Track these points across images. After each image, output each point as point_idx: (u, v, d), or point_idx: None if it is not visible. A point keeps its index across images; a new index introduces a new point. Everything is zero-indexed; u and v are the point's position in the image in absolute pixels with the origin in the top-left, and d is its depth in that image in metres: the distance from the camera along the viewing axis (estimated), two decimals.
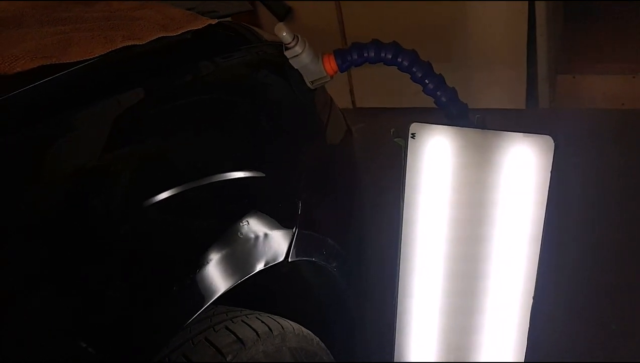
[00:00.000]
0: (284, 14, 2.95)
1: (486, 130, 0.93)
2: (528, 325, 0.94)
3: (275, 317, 0.93)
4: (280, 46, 1.04)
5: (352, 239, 1.19)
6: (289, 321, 0.95)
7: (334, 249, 1.05)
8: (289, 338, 0.93)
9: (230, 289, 0.79)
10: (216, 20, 0.96)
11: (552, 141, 0.86)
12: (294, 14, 2.99)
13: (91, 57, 0.72)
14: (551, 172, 0.87)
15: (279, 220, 0.90)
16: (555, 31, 2.78)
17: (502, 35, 2.67)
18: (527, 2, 2.54)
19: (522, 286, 0.95)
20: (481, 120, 0.94)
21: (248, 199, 0.87)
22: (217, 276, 0.78)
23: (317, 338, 1.03)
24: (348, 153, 1.30)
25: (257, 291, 0.96)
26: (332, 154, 1.20)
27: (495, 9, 2.63)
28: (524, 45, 2.64)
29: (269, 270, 0.87)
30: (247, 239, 0.81)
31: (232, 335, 0.83)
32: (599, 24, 3.16)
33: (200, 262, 0.76)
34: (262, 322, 0.89)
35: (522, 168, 0.90)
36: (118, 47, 0.75)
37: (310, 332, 1.01)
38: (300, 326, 0.98)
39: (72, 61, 0.70)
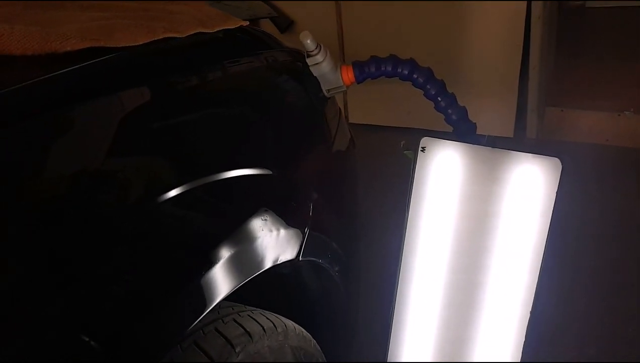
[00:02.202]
0: (286, 27, 2.99)
1: (496, 148, 0.97)
2: (524, 338, 0.98)
3: (277, 315, 0.95)
4: (298, 53, 1.07)
5: (354, 245, 1.21)
6: (289, 320, 0.97)
7: (337, 253, 1.08)
8: (290, 337, 0.94)
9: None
10: (247, 22, 0.99)
11: (560, 163, 0.90)
12: (295, 27, 3.03)
13: (134, 44, 0.74)
14: (557, 193, 0.91)
15: (294, 219, 0.92)
16: (547, 65, 2.87)
17: (496, 64, 2.75)
18: (522, 35, 2.63)
19: (520, 300, 0.98)
20: (491, 139, 0.98)
21: (267, 197, 0.89)
22: (232, 271, 0.79)
23: (314, 340, 1.05)
24: (352, 161, 1.33)
25: (258, 289, 0.97)
26: (339, 161, 1.23)
27: (492, 38, 2.71)
28: (516, 76, 2.72)
29: (274, 269, 0.89)
30: (265, 234, 0.83)
31: (241, 328, 0.85)
32: (590, 62, 3.28)
33: (218, 256, 0.76)
34: (267, 318, 0.91)
35: (529, 187, 0.94)
36: (159, 37, 0.77)
37: (308, 333, 1.02)
38: (301, 327, 1.00)
39: (117, 45, 0.71)
